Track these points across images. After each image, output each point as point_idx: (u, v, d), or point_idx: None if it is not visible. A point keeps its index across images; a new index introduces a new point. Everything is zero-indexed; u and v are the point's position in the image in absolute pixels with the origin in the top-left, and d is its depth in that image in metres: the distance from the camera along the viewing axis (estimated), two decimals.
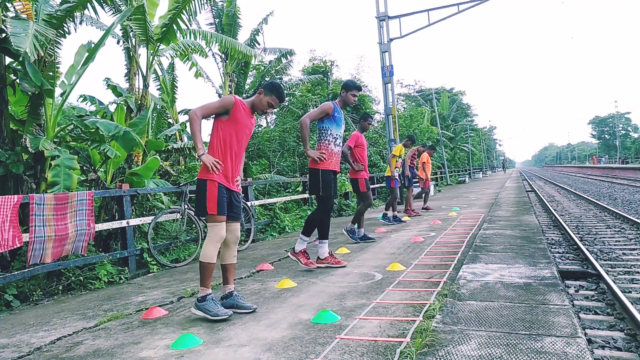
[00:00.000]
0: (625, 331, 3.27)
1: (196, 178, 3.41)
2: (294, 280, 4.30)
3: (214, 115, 3.39)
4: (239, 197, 3.50)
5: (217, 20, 13.90)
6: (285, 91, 16.25)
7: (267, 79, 15.61)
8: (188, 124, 3.34)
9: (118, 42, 9.25)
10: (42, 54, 5.34)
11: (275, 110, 3.57)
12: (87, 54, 6.37)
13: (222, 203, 3.27)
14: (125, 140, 5.87)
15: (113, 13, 8.45)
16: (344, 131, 5.61)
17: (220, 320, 3.19)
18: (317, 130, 4.89)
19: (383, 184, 15.78)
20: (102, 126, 5.71)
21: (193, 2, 7.36)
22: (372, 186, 13.68)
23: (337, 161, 4.87)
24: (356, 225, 6.69)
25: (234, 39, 12.19)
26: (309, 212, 10.38)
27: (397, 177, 8.74)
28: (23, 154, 5.33)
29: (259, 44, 14.81)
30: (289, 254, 4.92)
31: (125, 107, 7.60)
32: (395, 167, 8.75)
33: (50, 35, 5.12)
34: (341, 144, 4.93)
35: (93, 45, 6.24)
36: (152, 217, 5.94)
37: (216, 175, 3.26)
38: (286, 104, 17.47)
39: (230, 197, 3.37)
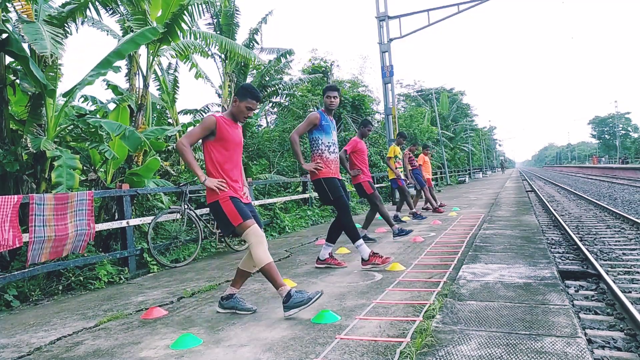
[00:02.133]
0: (625, 331, 3.27)
1: (207, 204, 3.37)
2: (294, 280, 4.30)
3: (201, 140, 3.35)
4: (252, 207, 3.49)
5: (216, 20, 13.90)
6: (285, 91, 16.23)
7: (266, 78, 15.58)
8: (182, 143, 3.28)
9: (118, 42, 9.25)
10: (63, 54, 5.33)
11: (256, 111, 3.51)
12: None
13: (242, 209, 3.24)
14: (131, 139, 5.87)
15: (112, 13, 8.45)
16: (344, 131, 5.60)
17: (306, 305, 3.12)
18: (309, 142, 4.87)
19: (383, 184, 15.82)
20: (106, 125, 5.71)
21: (195, 7, 7.37)
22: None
23: (336, 168, 4.82)
24: (359, 226, 6.69)
25: (233, 40, 12.19)
26: (309, 212, 10.40)
27: (402, 177, 8.76)
28: (23, 153, 5.33)
29: (257, 44, 14.81)
30: (315, 264, 4.95)
31: (128, 108, 7.60)
32: (397, 168, 8.77)
33: (59, 35, 5.13)
34: (337, 150, 4.88)
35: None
36: (152, 217, 5.93)
37: (225, 192, 3.25)
38: (286, 104, 17.46)
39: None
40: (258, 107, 3.49)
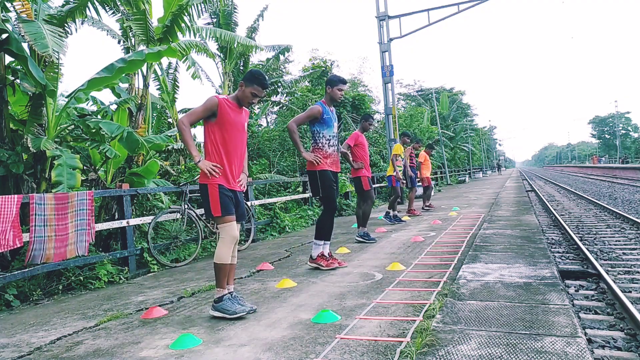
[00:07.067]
0: (625, 331, 3.27)
1: (198, 183, 3.40)
2: (294, 280, 4.30)
3: (202, 120, 3.35)
4: (241, 196, 3.48)
5: (215, 19, 13.90)
6: (285, 90, 16.21)
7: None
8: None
9: (119, 42, 9.25)
10: (66, 50, 5.30)
11: (261, 97, 3.49)
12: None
13: (226, 203, 3.25)
14: (128, 141, 5.89)
15: (113, 13, 8.45)
16: (344, 131, 5.61)
17: (239, 317, 3.19)
18: (311, 134, 4.89)
19: (383, 184, 15.81)
20: (105, 127, 5.73)
21: (194, 6, 7.37)
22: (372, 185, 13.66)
23: (334, 161, 4.83)
24: (356, 225, 6.69)
25: (232, 33, 12.18)
26: (309, 212, 10.40)
27: (400, 176, 8.75)
28: (23, 153, 5.33)
29: (255, 42, 14.79)
30: (307, 262, 4.90)
31: (127, 110, 7.60)
32: (397, 166, 8.78)
33: (60, 35, 5.12)
34: (337, 143, 4.90)
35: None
36: (152, 217, 5.93)
37: (216, 178, 3.26)
38: (287, 103, 17.44)
39: (234, 196, 3.36)
40: (264, 94, 3.49)
